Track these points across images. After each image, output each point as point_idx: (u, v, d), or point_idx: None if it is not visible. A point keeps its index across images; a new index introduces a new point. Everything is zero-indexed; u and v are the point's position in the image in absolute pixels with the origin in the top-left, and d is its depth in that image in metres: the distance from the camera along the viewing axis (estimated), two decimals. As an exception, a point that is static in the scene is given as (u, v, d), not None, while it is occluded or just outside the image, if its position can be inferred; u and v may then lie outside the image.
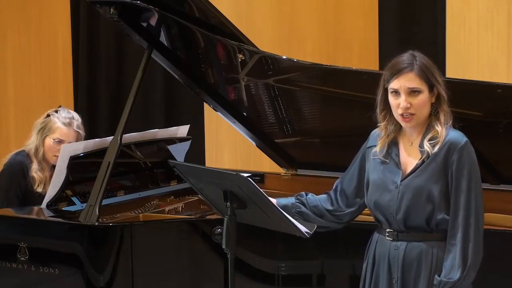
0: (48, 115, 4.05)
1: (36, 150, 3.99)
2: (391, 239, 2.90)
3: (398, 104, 2.82)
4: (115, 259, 3.52)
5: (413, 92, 2.80)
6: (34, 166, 3.97)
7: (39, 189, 3.94)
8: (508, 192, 3.75)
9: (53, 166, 3.98)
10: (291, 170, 4.39)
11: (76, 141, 4.00)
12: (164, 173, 4.33)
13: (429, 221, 2.83)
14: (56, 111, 4.06)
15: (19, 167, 3.97)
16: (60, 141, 3.97)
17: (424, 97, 2.81)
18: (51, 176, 3.96)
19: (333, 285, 3.65)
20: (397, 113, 2.84)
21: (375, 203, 2.92)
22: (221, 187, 2.91)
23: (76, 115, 4.08)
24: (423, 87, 2.81)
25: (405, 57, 2.84)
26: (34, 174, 3.95)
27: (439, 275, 2.78)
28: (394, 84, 2.82)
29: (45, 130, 4.01)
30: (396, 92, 2.83)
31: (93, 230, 3.54)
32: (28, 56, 7.02)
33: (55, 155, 3.95)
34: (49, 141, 3.99)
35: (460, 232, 2.77)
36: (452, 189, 2.80)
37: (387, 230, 2.91)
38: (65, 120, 4.02)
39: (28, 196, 3.95)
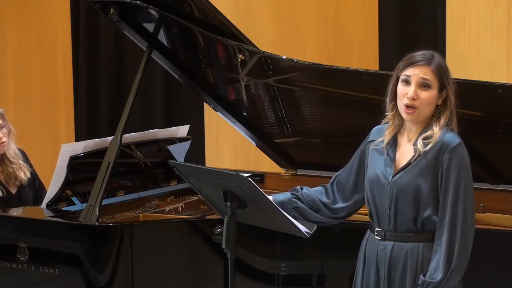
0: None
1: None
2: (379, 238, 2.91)
3: (405, 93, 2.82)
4: (115, 259, 3.52)
5: (424, 85, 2.81)
6: None
7: None
8: (508, 192, 3.75)
9: (0, 163, 4.03)
10: (291, 170, 4.39)
11: (1, 121, 4.03)
12: (164, 173, 4.33)
13: (415, 220, 2.83)
14: None
15: None
16: None
17: (432, 94, 2.82)
18: (1, 172, 4.03)
19: (333, 285, 3.65)
20: (402, 102, 2.84)
21: (372, 198, 2.92)
22: (221, 187, 2.91)
23: None
24: (434, 84, 2.81)
25: (424, 52, 2.86)
26: None
27: (424, 275, 2.78)
28: (408, 72, 2.83)
29: None
30: (407, 81, 2.83)
31: (93, 230, 3.54)
32: (28, 56, 7.02)
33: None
34: None
35: (446, 232, 2.76)
36: (441, 190, 2.80)
37: (376, 229, 2.92)
38: None
39: None
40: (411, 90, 2.81)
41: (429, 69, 2.82)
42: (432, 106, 2.84)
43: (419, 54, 2.85)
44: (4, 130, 4.03)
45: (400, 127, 2.92)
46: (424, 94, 2.81)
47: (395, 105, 2.89)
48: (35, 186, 4.18)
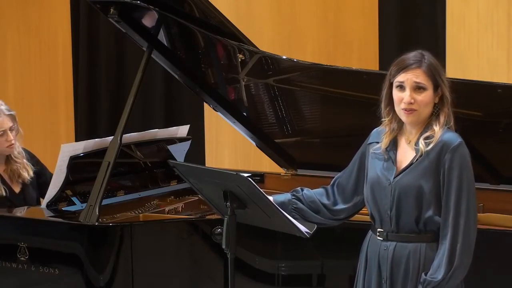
0: None
1: None
2: (381, 239, 2.91)
3: (401, 98, 2.83)
4: (115, 259, 3.52)
5: (418, 88, 2.81)
6: None
7: None
8: (508, 192, 3.75)
9: (5, 160, 4.02)
10: (291, 170, 4.39)
11: (12, 123, 4.01)
12: (164, 173, 4.33)
13: (418, 220, 2.83)
14: None
15: None
16: (2, 133, 3.97)
17: (428, 95, 2.82)
18: (5, 171, 4.02)
19: (333, 285, 3.65)
20: (399, 107, 2.85)
21: (372, 199, 2.93)
22: (221, 187, 2.91)
23: None
24: (429, 85, 2.82)
25: (413, 54, 2.86)
26: None
27: (426, 274, 2.78)
28: (400, 78, 2.83)
29: None
30: (401, 87, 2.83)
31: (93, 230, 3.54)
32: (28, 56, 7.02)
33: (6, 146, 3.98)
34: None
35: (449, 232, 2.77)
36: (444, 189, 2.80)
37: (378, 229, 2.92)
38: None
39: None
40: (406, 95, 2.82)
41: (421, 71, 2.82)
42: (430, 106, 2.85)
43: (408, 58, 2.85)
44: (14, 132, 4.03)
45: (398, 130, 2.92)
46: (420, 97, 2.82)
47: (391, 110, 2.89)
48: (47, 185, 4.15)
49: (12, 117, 4.05)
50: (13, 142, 4.01)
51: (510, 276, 3.28)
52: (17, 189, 4.05)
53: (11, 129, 4.01)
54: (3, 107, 4.04)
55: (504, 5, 4.86)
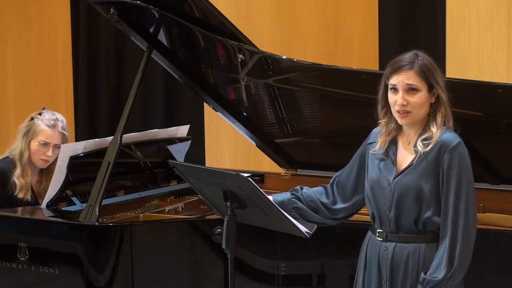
0: (32, 118, 3.95)
1: (21, 155, 3.88)
2: (381, 239, 2.91)
3: (395, 100, 2.83)
4: (115, 259, 3.52)
5: (411, 89, 2.81)
6: (17, 171, 3.86)
7: (20, 195, 3.85)
8: (508, 192, 3.76)
9: (40, 172, 3.96)
10: (291, 170, 4.39)
11: (62, 143, 3.89)
12: (164, 173, 4.33)
13: (417, 221, 2.83)
14: (40, 113, 3.96)
15: (0, 175, 3.89)
16: (46, 144, 3.88)
17: (421, 96, 2.82)
18: (37, 182, 3.96)
19: (333, 285, 3.65)
20: (394, 109, 2.85)
21: (372, 200, 2.93)
22: (221, 187, 2.91)
23: (60, 117, 3.98)
24: (422, 86, 2.82)
25: (408, 55, 2.86)
26: (16, 180, 3.85)
27: (425, 273, 2.79)
28: (393, 80, 2.84)
29: (29, 134, 3.90)
30: (394, 89, 2.84)
31: (93, 230, 3.54)
32: (28, 55, 7.02)
33: (41, 159, 3.89)
34: (34, 144, 3.88)
35: (448, 232, 2.77)
36: (443, 190, 2.80)
37: (378, 230, 2.92)
38: (49, 122, 3.92)
39: (11, 202, 3.85)
40: (399, 97, 2.82)
41: (413, 72, 2.81)
42: (425, 107, 2.84)
43: (401, 59, 2.85)
44: (57, 151, 3.86)
45: (398, 131, 2.92)
46: (414, 98, 2.82)
47: (388, 111, 2.90)
48: None
49: (64, 138, 3.94)
50: (49, 159, 3.89)
51: (510, 276, 3.28)
52: (41, 201, 3.99)
53: (56, 146, 3.88)
54: (61, 124, 3.93)
55: (504, 5, 4.87)
